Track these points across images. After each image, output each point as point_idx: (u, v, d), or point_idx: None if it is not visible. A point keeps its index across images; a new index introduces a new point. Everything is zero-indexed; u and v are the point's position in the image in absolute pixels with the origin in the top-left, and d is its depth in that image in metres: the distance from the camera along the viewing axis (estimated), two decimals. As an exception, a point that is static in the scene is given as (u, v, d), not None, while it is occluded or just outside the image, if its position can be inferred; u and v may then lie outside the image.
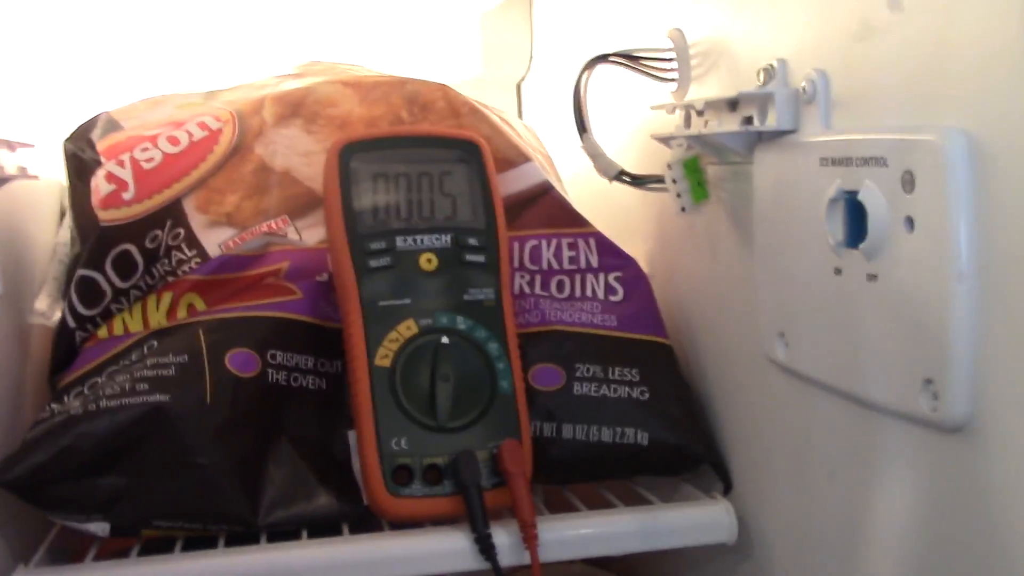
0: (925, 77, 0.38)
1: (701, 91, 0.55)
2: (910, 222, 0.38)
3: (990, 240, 0.35)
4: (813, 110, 0.45)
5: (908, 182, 0.38)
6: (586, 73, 0.59)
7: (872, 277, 0.40)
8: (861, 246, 0.41)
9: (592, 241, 0.62)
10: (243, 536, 0.52)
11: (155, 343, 0.54)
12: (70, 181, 0.60)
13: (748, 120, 0.48)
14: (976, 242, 0.36)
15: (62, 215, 0.66)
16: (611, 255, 0.62)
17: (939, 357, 0.37)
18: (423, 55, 0.87)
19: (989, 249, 0.35)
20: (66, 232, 0.61)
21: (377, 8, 0.87)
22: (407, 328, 0.53)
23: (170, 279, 0.57)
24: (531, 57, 0.94)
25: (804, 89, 0.45)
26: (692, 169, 0.54)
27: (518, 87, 0.96)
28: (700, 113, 0.53)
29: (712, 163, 0.54)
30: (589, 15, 0.77)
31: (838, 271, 0.43)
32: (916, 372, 0.38)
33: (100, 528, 0.51)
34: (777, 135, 0.47)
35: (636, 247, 0.64)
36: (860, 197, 0.40)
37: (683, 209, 0.54)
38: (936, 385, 0.37)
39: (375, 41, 0.87)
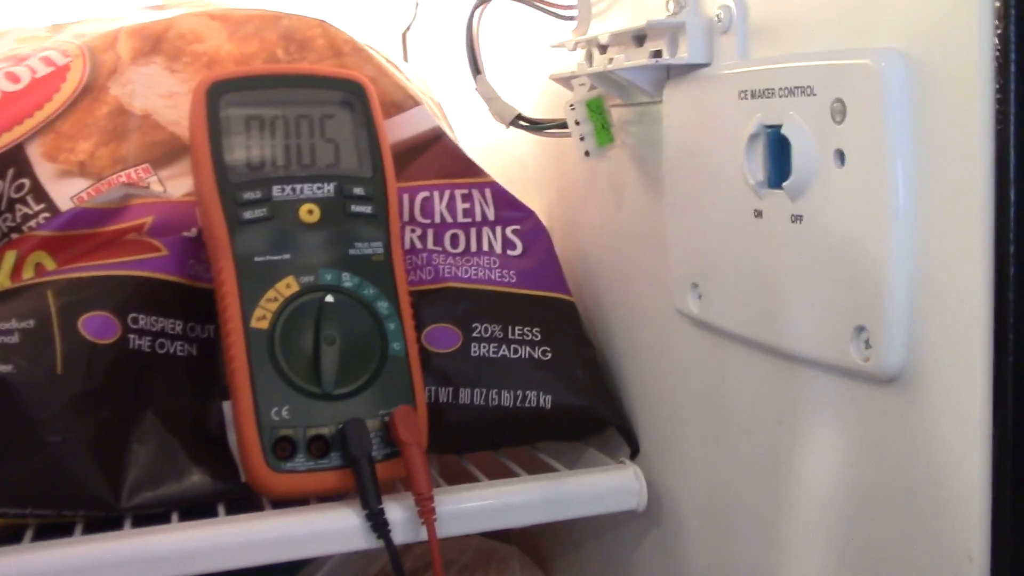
0: (856, -3, 0.35)
1: (603, 28, 0.51)
2: (840, 156, 0.35)
3: (929, 173, 0.32)
4: (729, 40, 0.41)
5: (839, 112, 0.35)
6: (479, 9, 0.54)
7: (797, 218, 0.37)
8: (784, 185, 0.37)
9: (488, 192, 0.58)
10: (104, 522, 0.46)
11: (-4, 306, 0.48)
12: None
13: (657, 54, 0.45)
14: (914, 176, 0.33)
15: None
16: (508, 207, 0.58)
17: (873, 303, 0.34)
18: (302, 2, 0.81)
19: (927, 184, 0.33)
20: None
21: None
22: (287, 286, 0.48)
23: (14, 236, 0.51)
24: (416, 4, 0.89)
25: (719, 17, 0.41)
26: (596, 111, 0.50)
27: (403, 36, 0.91)
28: (604, 50, 0.49)
29: (617, 104, 0.51)
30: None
31: (758, 213, 0.39)
32: (847, 320, 0.35)
33: (-65, 519, 0.45)
34: (688, 69, 0.44)
35: (534, 199, 0.60)
36: (784, 131, 0.37)
37: (587, 154, 0.50)
38: (869, 333, 0.35)
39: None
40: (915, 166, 0.33)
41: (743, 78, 0.40)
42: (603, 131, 0.50)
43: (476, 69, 0.55)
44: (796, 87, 0.36)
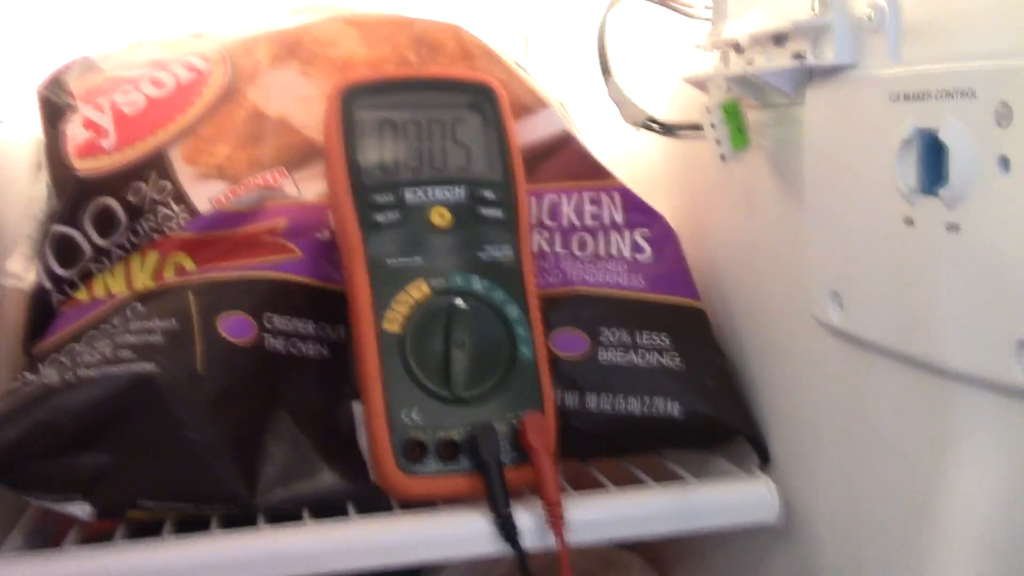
0: (1024, -6, 0.33)
1: (738, 29, 0.50)
2: (1004, 162, 0.33)
3: (1102, 181, 0.31)
4: (879, 40, 0.40)
5: (1004, 116, 0.33)
6: (611, 10, 0.54)
7: (953, 227, 0.36)
8: (940, 192, 0.36)
9: (616, 196, 0.57)
10: (239, 518, 0.47)
11: (140, 306, 0.49)
12: (44, 129, 0.55)
13: (799, 55, 0.43)
14: (1086, 183, 0.31)
15: (40, 169, 0.60)
16: (637, 211, 0.57)
17: (1038, 316, 0.32)
18: (424, 4, 0.82)
19: (1101, 192, 0.31)
20: (42, 187, 0.56)
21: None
22: (418, 289, 0.48)
23: (156, 237, 0.52)
24: (540, 9, 0.88)
25: (869, 17, 0.40)
26: (732, 113, 0.48)
27: (525, 39, 0.91)
28: (740, 52, 0.48)
29: (751, 107, 0.49)
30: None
31: (909, 221, 0.38)
32: (1007, 335, 0.34)
33: (81, 510, 0.46)
34: (833, 71, 0.42)
35: (661, 202, 0.59)
36: (941, 136, 0.35)
37: (723, 157, 0.49)
38: (1033, 348, 0.33)
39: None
40: (1089, 173, 0.31)
41: (895, 80, 0.38)
42: (739, 134, 0.49)
43: (607, 71, 0.55)
44: (955, 89, 0.35)
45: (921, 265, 0.38)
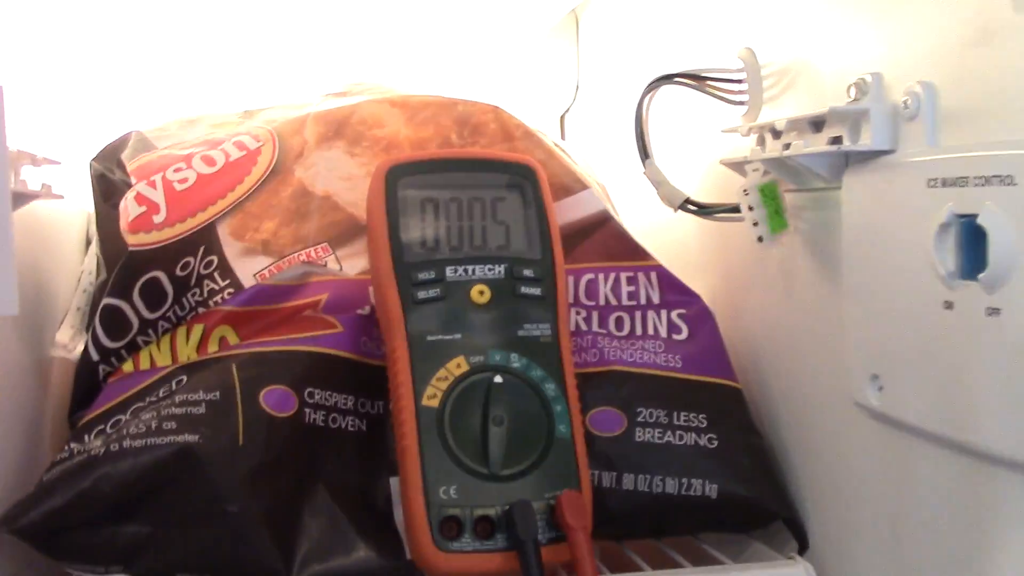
0: (1060, 84, 0.33)
1: (774, 113, 0.51)
2: (1044, 248, 0.33)
3: None
4: (916, 127, 0.40)
5: (1043, 202, 0.33)
6: (649, 95, 0.55)
7: (993, 311, 0.36)
8: (980, 277, 0.36)
9: (653, 275, 0.57)
10: (276, 592, 0.47)
11: (184, 378, 0.50)
12: (97, 204, 0.56)
13: (836, 140, 0.44)
14: None
15: (88, 243, 0.62)
16: (674, 291, 0.57)
17: (1081, 402, 0.32)
18: (464, 86, 0.84)
19: None
20: (92, 260, 0.58)
21: (418, 36, 0.84)
22: (457, 366, 0.49)
23: (201, 310, 0.53)
24: (577, 88, 0.90)
25: (905, 104, 0.41)
26: (769, 196, 0.49)
27: (562, 119, 0.93)
28: (777, 135, 0.49)
29: (790, 190, 0.50)
30: (640, 42, 0.74)
31: (948, 305, 0.38)
32: (1050, 419, 0.33)
33: (120, 581, 0.46)
34: (871, 156, 0.43)
35: (699, 283, 0.59)
36: (980, 221, 0.36)
37: (760, 239, 0.49)
38: (1077, 435, 0.33)
39: (415, 69, 0.84)
40: None
41: (933, 166, 0.39)
42: (776, 216, 0.49)
43: (645, 153, 0.56)
44: (994, 176, 0.35)
45: (961, 349, 0.38)
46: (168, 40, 0.75)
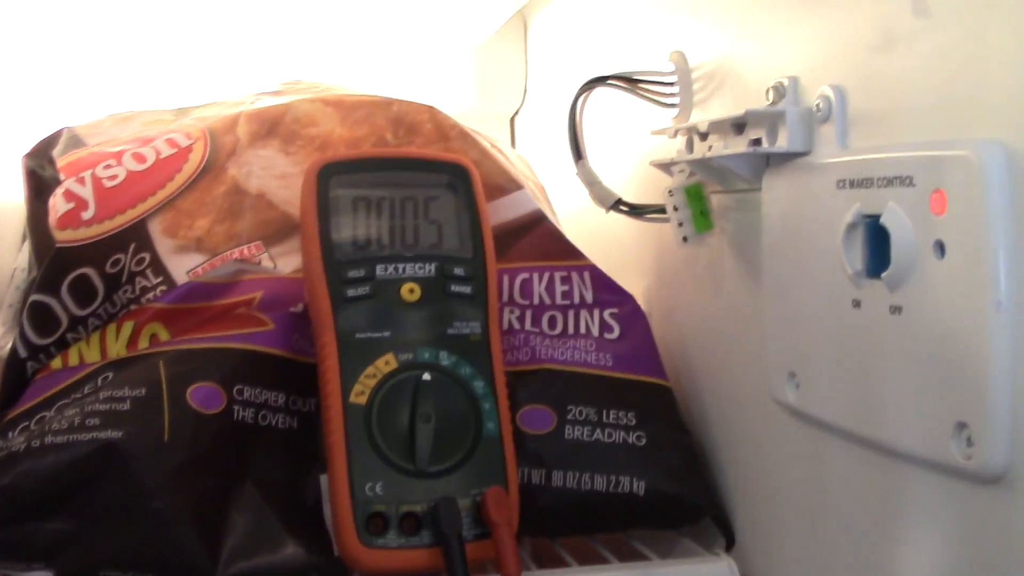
0: (956, 87, 0.34)
1: (704, 115, 0.52)
2: (940, 247, 0.34)
3: (1031, 267, 0.32)
4: (828, 129, 0.41)
5: (938, 203, 0.34)
6: (583, 96, 0.56)
7: (896, 309, 0.37)
8: (883, 275, 0.37)
9: (587, 275, 0.58)
10: (201, 589, 0.47)
11: (110, 375, 0.50)
12: (28, 200, 0.56)
13: (756, 142, 0.45)
14: (1016, 269, 0.32)
15: (24, 239, 0.62)
16: (607, 290, 0.58)
17: (974, 399, 0.33)
18: (414, 88, 0.84)
19: (1030, 277, 0.32)
20: (25, 256, 0.57)
21: (367, 38, 0.84)
22: (386, 363, 0.49)
23: (133, 307, 0.53)
24: (525, 90, 0.91)
25: (818, 107, 0.41)
26: (695, 197, 0.50)
27: (511, 121, 0.93)
28: (704, 137, 0.50)
29: (716, 191, 0.51)
30: (586, 45, 0.74)
31: (856, 304, 0.39)
32: (947, 416, 0.34)
33: (43, 578, 0.46)
34: (788, 158, 0.44)
35: (633, 282, 0.60)
36: (882, 221, 0.37)
37: (684, 239, 0.50)
38: (970, 430, 0.33)
39: (364, 70, 0.84)
40: (1017, 258, 0.32)
41: (841, 167, 0.40)
42: (702, 217, 0.50)
43: (578, 154, 0.56)
44: (895, 177, 0.36)
45: (868, 346, 0.38)
46: (105, 37, 0.74)
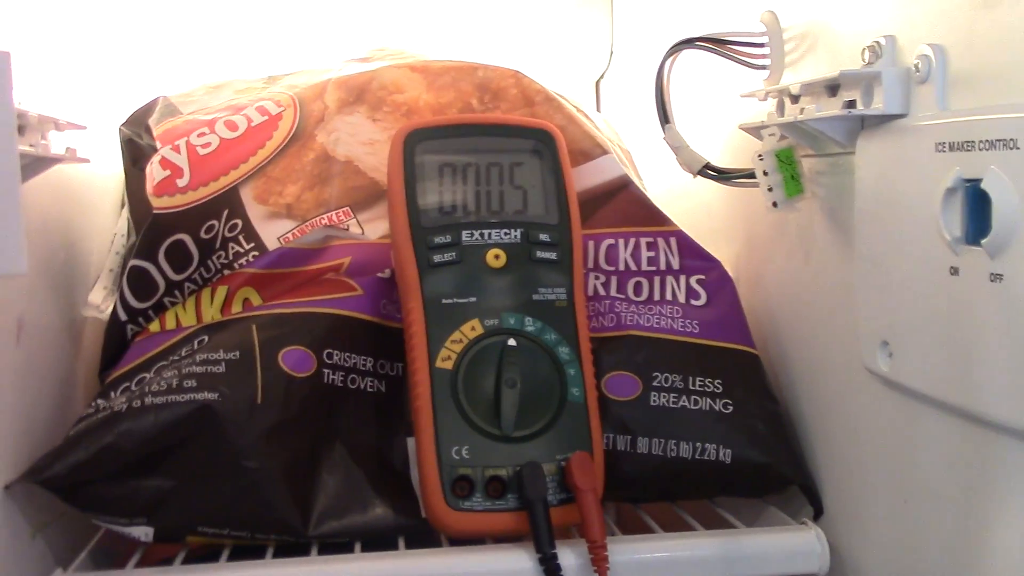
0: (1065, 46, 0.33)
1: (796, 77, 0.51)
2: (1046, 213, 0.33)
3: None
4: (927, 90, 0.40)
5: (1045, 166, 0.33)
6: (670, 59, 0.55)
7: (996, 277, 0.35)
8: (983, 242, 0.36)
9: (673, 241, 0.57)
10: (293, 547, 0.49)
11: (206, 338, 0.51)
12: (126, 168, 0.58)
13: (850, 104, 0.44)
14: None
15: (123, 205, 0.64)
16: (694, 256, 0.57)
17: (1079, 369, 0.32)
18: (500, 52, 0.84)
19: None
20: (123, 223, 0.59)
21: (449, 2, 0.84)
22: (472, 329, 0.49)
23: (226, 272, 0.54)
24: (611, 53, 0.90)
25: (916, 67, 0.40)
26: (786, 161, 0.49)
27: (596, 85, 0.92)
28: (795, 100, 0.48)
29: (808, 155, 0.50)
30: (674, 5, 0.73)
31: (954, 271, 0.38)
32: (1050, 387, 0.33)
33: (143, 532, 0.48)
34: (883, 120, 0.42)
35: (721, 248, 0.59)
36: (984, 185, 0.35)
37: (775, 204, 0.49)
38: (1075, 402, 0.32)
39: (448, 35, 0.84)
40: None
41: (941, 129, 0.38)
42: (792, 182, 0.49)
43: (665, 118, 0.55)
44: (998, 140, 0.35)
45: (967, 315, 0.37)
46: (196, 6, 0.76)
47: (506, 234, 0.51)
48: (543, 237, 0.51)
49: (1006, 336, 0.35)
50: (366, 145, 0.57)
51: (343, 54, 0.64)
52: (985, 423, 0.37)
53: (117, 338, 0.54)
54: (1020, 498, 0.36)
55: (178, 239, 0.54)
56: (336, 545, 0.49)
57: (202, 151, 0.55)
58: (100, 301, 0.57)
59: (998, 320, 0.36)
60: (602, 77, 0.91)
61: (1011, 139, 0.34)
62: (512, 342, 0.49)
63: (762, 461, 0.52)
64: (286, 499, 0.48)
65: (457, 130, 0.53)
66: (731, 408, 0.52)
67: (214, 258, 0.55)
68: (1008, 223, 0.34)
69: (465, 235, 0.51)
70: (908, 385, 0.42)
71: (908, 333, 0.42)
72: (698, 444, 0.52)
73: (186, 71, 0.71)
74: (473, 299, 0.50)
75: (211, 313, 0.53)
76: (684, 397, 0.52)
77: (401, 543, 0.49)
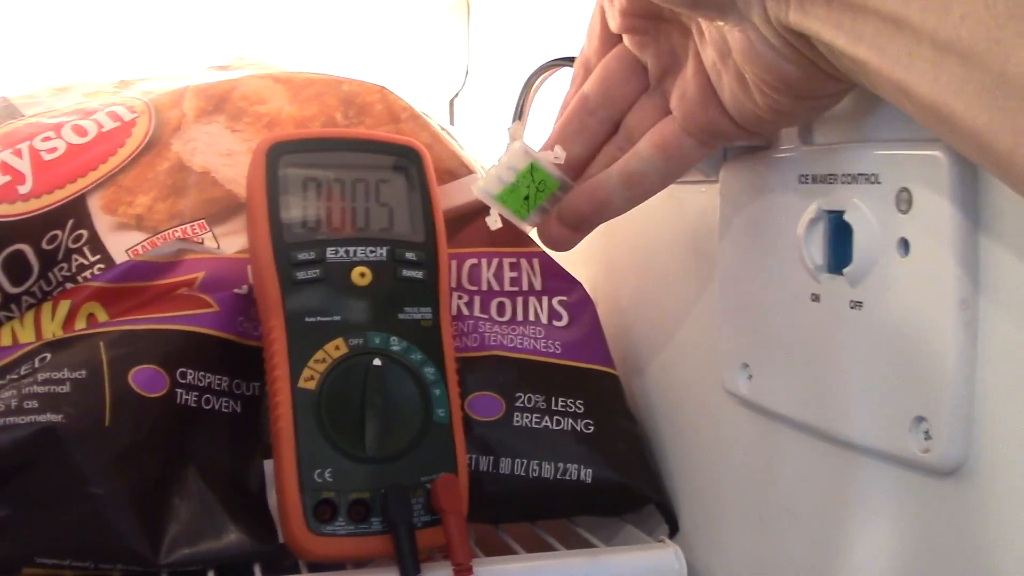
0: (924, 88, 0.35)
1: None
2: (904, 244, 0.35)
3: (990, 265, 0.32)
4: (790, 124, 0.42)
5: (904, 201, 0.35)
6: (544, 75, 0.55)
7: (856, 304, 0.37)
8: (845, 271, 0.37)
9: (536, 262, 0.58)
10: (141, 576, 0.46)
11: (48, 356, 0.48)
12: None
13: (715, 135, 0.45)
14: (978, 268, 0.33)
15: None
16: (555, 278, 0.58)
17: (933, 394, 0.34)
18: (355, 66, 0.83)
19: (989, 275, 0.33)
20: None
21: (307, 12, 0.83)
22: (336, 348, 0.48)
23: (69, 286, 0.51)
24: (467, 72, 0.90)
25: (781, 101, 0.42)
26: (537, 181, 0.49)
27: (451, 103, 0.93)
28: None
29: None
30: (530, 26, 0.74)
31: (815, 297, 0.39)
32: (905, 410, 0.35)
33: (-26, 565, 0.44)
34: (746, 150, 0.44)
35: (580, 271, 0.60)
36: (846, 217, 0.37)
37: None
38: (928, 424, 0.34)
39: (302, 46, 0.83)
40: (980, 258, 0.33)
41: (804, 162, 0.40)
42: (523, 202, 0.48)
43: (519, 115, 0.56)
44: (860, 174, 0.37)
45: (826, 340, 0.39)
46: (41, 3, 0.72)
47: (372, 252, 0.50)
48: (409, 256, 0.50)
49: (865, 360, 0.37)
50: (224, 156, 0.55)
51: (200, 61, 0.62)
52: (841, 443, 0.39)
53: (-55, 355, 0.50)
54: (874, 516, 0.38)
55: (17, 249, 0.50)
56: (189, 574, 0.47)
57: (47, 156, 0.52)
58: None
59: (857, 345, 0.37)
60: (456, 95, 0.92)
61: (873, 174, 0.36)
62: (377, 362, 0.48)
63: (621, 480, 0.52)
64: (135, 527, 0.46)
65: (322, 144, 0.52)
66: (592, 428, 0.53)
67: (55, 270, 0.51)
68: (869, 254, 0.36)
69: (330, 252, 0.49)
70: (767, 406, 0.44)
71: (769, 356, 0.43)
72: (559, 464, 0.52)
73: (28, 71, 0.66)
74: (338, 317, 0.49)
75: (52, 329, 0.50)
76: (547, 417, 0.53)
77: (257, 570, 0.48)
